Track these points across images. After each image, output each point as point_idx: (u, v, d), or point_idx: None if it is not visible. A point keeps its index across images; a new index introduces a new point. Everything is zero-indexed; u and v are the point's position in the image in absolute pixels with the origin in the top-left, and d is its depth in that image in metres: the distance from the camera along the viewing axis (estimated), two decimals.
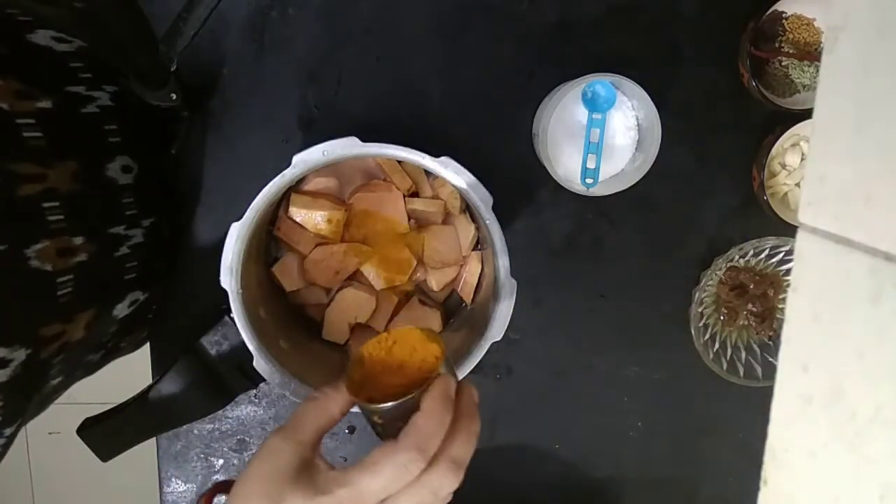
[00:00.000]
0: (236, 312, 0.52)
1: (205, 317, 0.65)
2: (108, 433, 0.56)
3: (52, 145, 0.47)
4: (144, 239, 0.56)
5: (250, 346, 0.53)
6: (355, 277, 0.63)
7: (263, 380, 0.55)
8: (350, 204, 0.62)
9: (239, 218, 0.52)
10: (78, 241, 0.48)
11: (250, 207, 0.51)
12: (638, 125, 0.62)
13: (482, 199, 0.52)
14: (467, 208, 0.63)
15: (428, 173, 0.62)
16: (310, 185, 0.61)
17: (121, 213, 0.54)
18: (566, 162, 0.63)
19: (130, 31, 0.49)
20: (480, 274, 0.64)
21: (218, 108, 0.63)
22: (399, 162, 0.61)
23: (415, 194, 0.63)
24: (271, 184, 0.51)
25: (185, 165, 0.64)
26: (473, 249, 0.64)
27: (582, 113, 0.62)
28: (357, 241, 0.62)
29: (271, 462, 0.39)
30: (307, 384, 0.54)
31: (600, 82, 0.61)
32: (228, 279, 0.52)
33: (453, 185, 0.53)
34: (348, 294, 0.62)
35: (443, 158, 0.51)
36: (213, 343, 0.57)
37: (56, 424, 1.52)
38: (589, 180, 0.61)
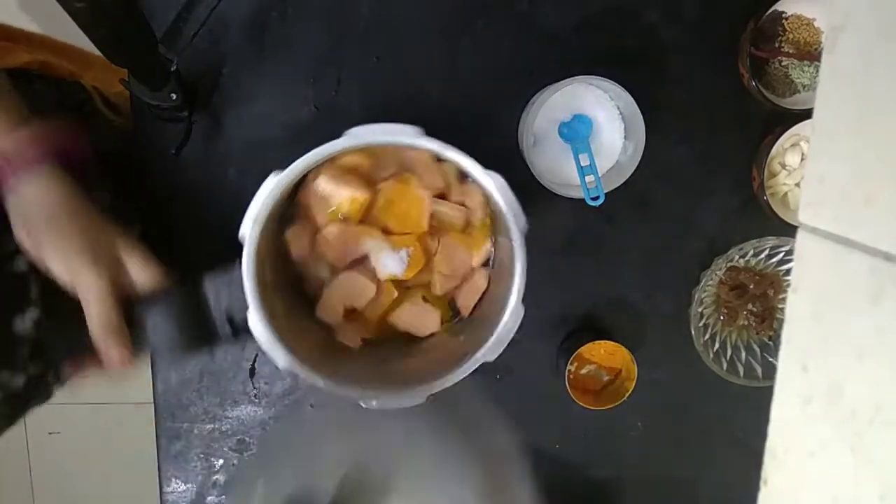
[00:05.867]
0: (247, 262, 0.52)
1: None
2: (70, 328, 0.55)
3: None
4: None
5: (250, 299, 0.52)
6: (361, 262, 0.63)
7: (248, 335, 0.54)
8: (377, 189, 0.62)
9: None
10: None
11: (292, 166, 0.50)
12: (620, 114, 0.63)
13: (517, 223, 0.52)
14: (491, 225, 0.63)
15: (460, 181, 0.62)
16: (343, 160, 0.60)
17: None
18: (556, 168, 0.64)
19: (130, 32, 0.49)
20: (485, 291, 0.64)
21: (218, 108, 0.63)
22: (437, 161, 0.61)
23: (443, 197, 0.63)
24: (320, 149, 0.50)
25: (185, 165, 0.64)
26: (483, 265, 0.64)
27: (562, 116, 0.63)
28: (374, 226, 0.62)
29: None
30: (291, 352, 0.54)
31: (579, 117, 0.63)
32: (250, 228, 0.51)
33: (494, 201, 0.53)
34: (350, 277, 0.62)
35: (492, 172, 0.52)
36: (215, 284, 0.56)
37: (56, 424, 1.52)
38: (594, 198, 0.62)
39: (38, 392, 0.60)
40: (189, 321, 0.56)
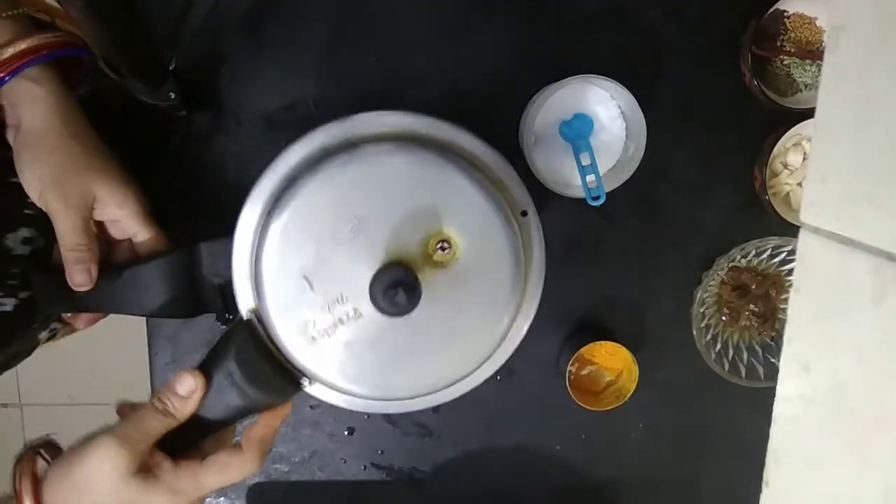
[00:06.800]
0: None
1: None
2: (61, 284, 0.52)
3: None
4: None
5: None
6: None
7: (235, 311, 0.53)
8: None
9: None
10: None
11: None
12: (622, 113, 0.63)
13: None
14: None
15: None
16: None
17: None
18: (557, 167, 0.64)
19: (129, 31, 0.49)
20: None
21: (216, 107, 0.63)
22: None
23: None
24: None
25: (183, 164, 0.64)
26: None
27: (563, 115, 0.63)
28: None
29: (110, 464, 0.41)
30: None
31: (579, 116, 0.63)
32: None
33: None
34: None
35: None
36: (210, 254, 0.55)
37: (56, 424, 1.52)
38: (595, 197, 0.61)
39: (26, 320, 0.57)
40: (179, 285, 0.54)
